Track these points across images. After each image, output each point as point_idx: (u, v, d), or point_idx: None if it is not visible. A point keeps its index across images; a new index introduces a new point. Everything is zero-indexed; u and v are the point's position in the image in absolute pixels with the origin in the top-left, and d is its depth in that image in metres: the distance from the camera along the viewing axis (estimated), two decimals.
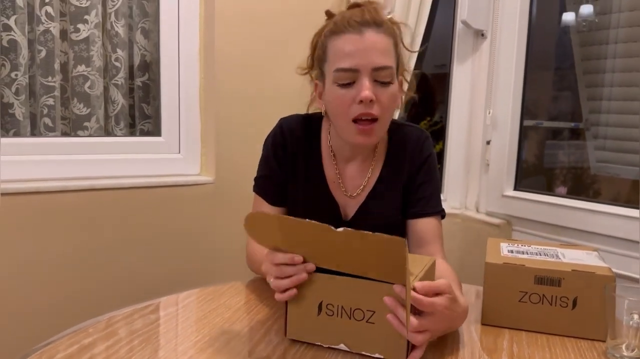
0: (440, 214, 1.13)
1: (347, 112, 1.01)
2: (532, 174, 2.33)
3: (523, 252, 0.99)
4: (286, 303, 0.82)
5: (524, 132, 1.82)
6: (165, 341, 0.84)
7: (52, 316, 1.51)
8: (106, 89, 1.83)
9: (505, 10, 1.74)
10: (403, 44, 1.08)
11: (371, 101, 0.98)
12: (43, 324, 1.50)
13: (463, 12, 1.75)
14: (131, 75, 1.88)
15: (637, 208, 1.49)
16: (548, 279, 0.90)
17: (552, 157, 2.39)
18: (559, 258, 0.96)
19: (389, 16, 1.07)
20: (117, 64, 1.82)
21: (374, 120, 1.01)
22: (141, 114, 1.90)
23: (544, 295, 0.90)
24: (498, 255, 0.97)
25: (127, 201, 1.62)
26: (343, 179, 1.14)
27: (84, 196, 1.55)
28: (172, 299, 1.04)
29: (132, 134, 1.89)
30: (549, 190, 2.31)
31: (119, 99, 1.84)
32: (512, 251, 1.00)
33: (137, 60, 1.87)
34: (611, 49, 2.16)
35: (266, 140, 1.18)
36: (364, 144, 1.05)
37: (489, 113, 1.78)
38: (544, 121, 2.19)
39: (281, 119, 1.18)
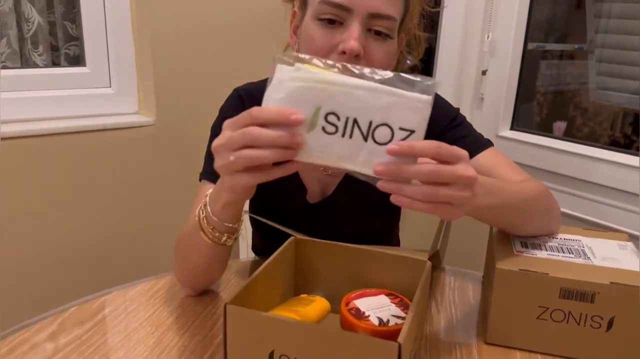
0: (486, 146, 0.88)
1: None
2: (523, 101, 2.09)
3: (540, 247, 0.76)
4: (225, 343, 0.59)
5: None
6: None
7: None
8: (17, 3, 1.47)
9: None
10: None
11: (357, 55, 0.75)
12: None
13: None
14: None
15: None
16: (578, 293, 0.68)
17: (545, 82, 2.13)
18: (588, 257, 0.74)
19: None
20: None
21: None
22: (65, 34, 1.55)
23: (570, 312, 0.69)
24: (509, 251, 0.75)
25: (47, 150, 1.32)
26: None
27: None
28: (108, 298, 0.79)
29: (56, 59, 1.55)
30: (541, 121, 2.08)
31: (34, 16, 1.48)
32: (525, 244, 0.77)
33: None
34: None
35: (221, 116, 0.91)
36: None
37: (488, 37, 1.49)
38: (545, 43, 1.91)
39: (236, 88, 0.93)
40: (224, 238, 0.72)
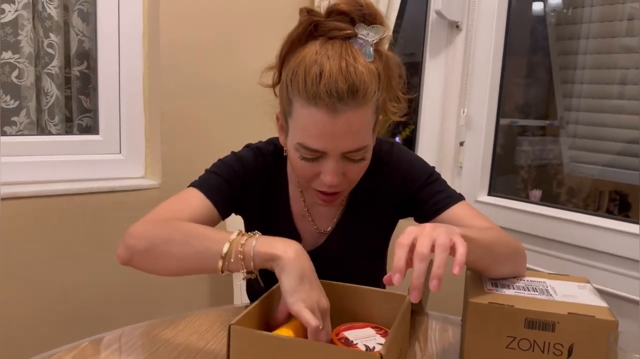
0: (459, 199, 1.00)
1: (308, 181, 0.90)
2: (503, 173, 2.23)
3: (509, 286, 0.86)
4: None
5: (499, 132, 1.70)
6: None
7: None
8: (38, 79, 1.63)
9: (483, 1, 1.60)
10: (392, 85, 0.91)
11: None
12: None
13: (437, 1, 1.59)
14: (67, 64, 1.67)
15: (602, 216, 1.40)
16: (540, 323, 0.76)
17: (523, 156, 2.28)
18: (550, 295, 0.83)
19: (384, 34, 0.83)
20: (50, 50, 1.61)
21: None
22: (79, 107, 1.70)
23: (535, 341, 0.77)
24: (481, 290, 0.84)
25: (59, 210, 1.42)
26: (313, 214, 1.04)
27: (7, 205, 1.35)
28: (104, 340, 0.86)
29: (69, 129, 1.69)
30: (519, 190, 2.21)
31: (53, 91, 1.63)
32: (495, 284, 0.86)
33: (74, 47, 1.66)
34: (582, 44, 2.05)
35: (235, 154, 1.02)
36: (326, 206, 0.98)
37: (464, 112, 1.65)
38: (518, 119, 2.08)
39: (253, 147, 1.03)
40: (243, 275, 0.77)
